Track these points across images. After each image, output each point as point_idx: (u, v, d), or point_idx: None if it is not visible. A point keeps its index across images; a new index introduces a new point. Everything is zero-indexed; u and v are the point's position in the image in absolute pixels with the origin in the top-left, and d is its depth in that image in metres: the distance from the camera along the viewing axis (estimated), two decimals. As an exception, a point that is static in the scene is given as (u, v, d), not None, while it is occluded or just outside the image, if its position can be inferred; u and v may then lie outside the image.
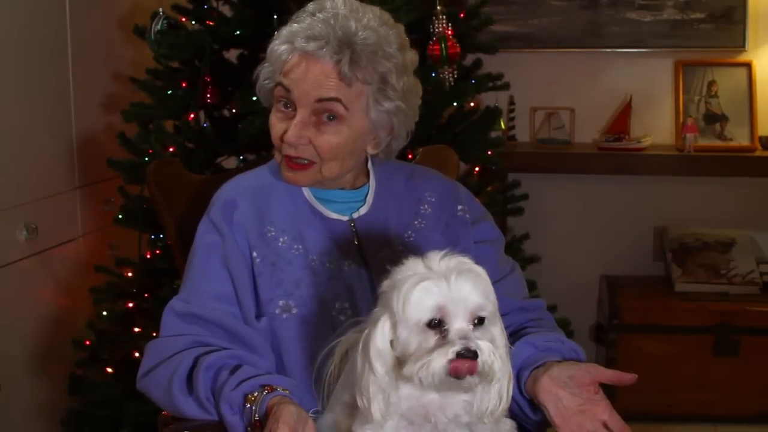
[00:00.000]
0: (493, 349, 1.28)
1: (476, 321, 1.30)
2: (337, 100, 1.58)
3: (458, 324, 1.28)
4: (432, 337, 1.28)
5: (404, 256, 1.60)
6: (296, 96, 1.60)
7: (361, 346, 1.33)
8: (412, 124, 1.70)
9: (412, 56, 1.67)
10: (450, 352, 1.26)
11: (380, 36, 1.60)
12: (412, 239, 1.69)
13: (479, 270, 1.33)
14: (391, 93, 1.62)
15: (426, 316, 1.28)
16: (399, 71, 1.62)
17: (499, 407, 1.35)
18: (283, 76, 1.61)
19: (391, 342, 1.32)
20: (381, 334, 1.31)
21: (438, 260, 1.32)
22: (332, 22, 1.58)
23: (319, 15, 1.60)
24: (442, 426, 1.35)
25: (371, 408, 1.31)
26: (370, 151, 1.69)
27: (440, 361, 1.26)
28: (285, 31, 1.63)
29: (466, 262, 1.33)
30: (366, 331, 1.33)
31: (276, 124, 1.64)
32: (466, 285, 1.29)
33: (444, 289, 1.28)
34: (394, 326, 1.31)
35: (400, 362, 1.31)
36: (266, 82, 1.69)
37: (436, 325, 1.28)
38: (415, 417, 1.34)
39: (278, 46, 1.63)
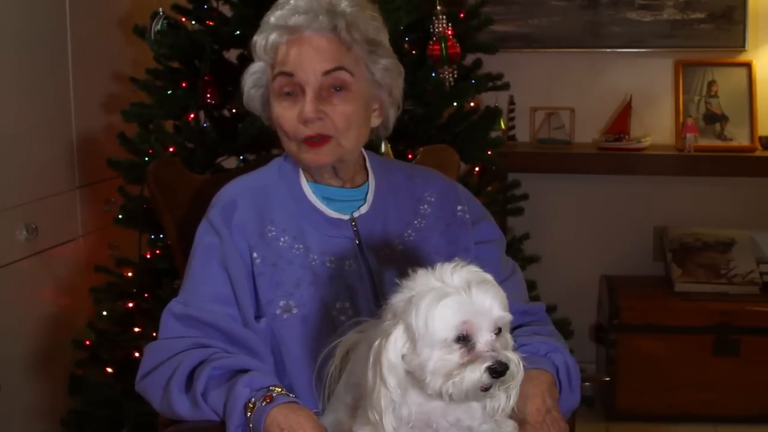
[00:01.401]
0: (517, 358, 1.30)
1: (497, 331, 1.31)
2: (342, 68, 1.60)
3: (484, 337, 1.29)
4: (456, 352, 1.28)
5: (404, 256, 1.59)
6: (300, 77, 1.60)
7: (372, 358, 1.32)
8: (401, 85, 1.72)
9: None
10: (483, 367, 1.27)
11: (357, 2, 1.64)
12: (412, 239, 1.69)
13: (492, 279, 1.33)
14: (383, 51, 1.66)
15: (452, 333, 1.28)
16: (382, 31, 1.68)
17: (509, 405, 1.36)
18: (281, 65, 1.62)
19: (402, 355, 1.32)
20: (393, 348, 1.31)
21: (450, 273, 1.31)
22: None
23: None
24: (444, 430, 1.35)
25: (383, 422, 1.30)
26: (374, 122, 1.70)
27: (473, 376, 1.27)
28: (271, 20, 1.63)
29: (478, 271, 1.33)
30: (377, 343, 1.32)
31: (285, 113, 1.63)
32: (486, 298, 1.30)
33: (466, 304, 1.28)
34: (412, 341, 1.30)
35: (413, 376, 1.31)
36: (252, 90, 1.70)
37: (461, 339, 1.28)
38: (417, 422, 1.34)
39: (266, 37, 1.63)
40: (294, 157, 1.67)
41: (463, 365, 1.27)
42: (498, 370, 1.27)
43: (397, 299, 1.33)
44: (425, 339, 1.29)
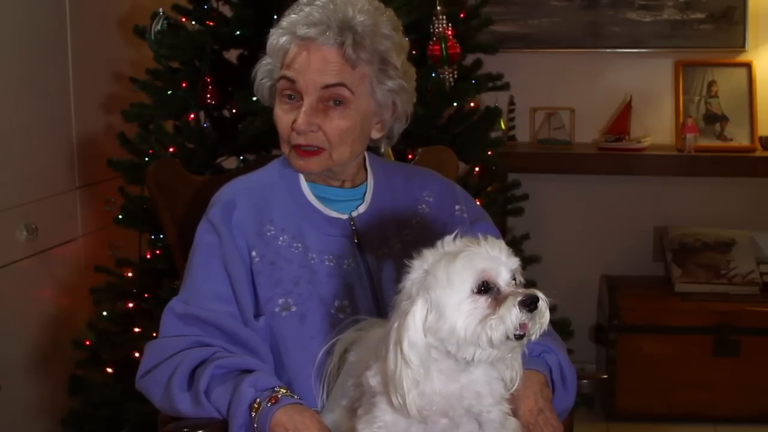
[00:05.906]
0: (542, 294, 1.30)
1: (513, 278, 1.33)
2: (342, 84, 1.61)
3: (504, 282, 1.31)
4: (484, 302, 1.29)
5: (402, 255, 1.60)
6: (301, 85, 1.61)
7: (392, 339, 1.32)
8: (412, 105, 1.72)
9: (404, 39, 1.72)
10: (516, 302, 1.28)
11: (376, 18, 1.64)
12: (410, 238, 1.69)
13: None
14: (392, 72, 1.66)
15: (474, 283, 1.29)
16: (397, 50, 1.67)
17: (518, 374, 1.38)
18: (286, 69, 1.63)
19: (427, 329, 1.32)
20: (413, 324, 1.31)
21: (453, 242, 1.34)
22: (331, 7, 1.61)
23: (317, 3, 1.63)
24: (457, 419, 1.35)
25: (407, 403, 1.30)
26: (375, 135, 1.70)
27: (510, 313, 1.27)
28: (284, 23, 1.65)
29: (474, 237, 1.36)
30: (396, 324, 1.32)
31: (282, 116, 1.65)
32: (495, 247, 1.33)
33: (480, 254, 1.31)
34: (436, 310, 1.30)
35: (438, 352, 1.32)
36: (264, 80, 1.71)
37: (485, 289, 1.29)
38: (434, 412, 1.34)
39: (278, 38, 1.65)
40: (286, 158, 1.69)
41: (495, 309, 1.28)
42: (529, 303, 1.28)
43: (411, 279, 1.34)
44: (450, 300, 1.29)
